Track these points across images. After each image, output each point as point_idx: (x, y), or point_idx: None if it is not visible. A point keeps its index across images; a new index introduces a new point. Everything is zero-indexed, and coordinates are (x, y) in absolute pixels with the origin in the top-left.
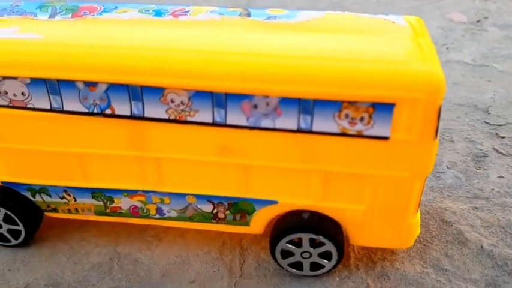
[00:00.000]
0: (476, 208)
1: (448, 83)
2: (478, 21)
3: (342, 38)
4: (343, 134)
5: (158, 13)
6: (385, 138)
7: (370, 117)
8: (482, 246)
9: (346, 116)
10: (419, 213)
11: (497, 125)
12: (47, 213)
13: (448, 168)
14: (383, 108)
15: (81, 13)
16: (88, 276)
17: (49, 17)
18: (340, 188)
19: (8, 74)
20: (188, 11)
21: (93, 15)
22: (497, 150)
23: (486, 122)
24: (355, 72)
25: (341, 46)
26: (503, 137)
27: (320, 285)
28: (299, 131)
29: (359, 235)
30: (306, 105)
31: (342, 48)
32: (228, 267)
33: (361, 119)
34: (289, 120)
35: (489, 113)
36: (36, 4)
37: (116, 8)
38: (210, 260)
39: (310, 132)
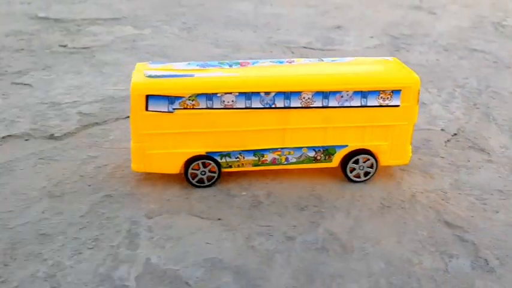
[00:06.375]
0: None
1: None
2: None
3: (374, 67)
4: (380, 106)
5: (280, 62)
6: (397, 106)
7: (391, 97)
8: None
9: (382, 97)
10: (411, 146)
11: None
12: (224, 169)
13: None
14: (396, 92)
15: (244, 65)
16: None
17: (229, 67)
18: (378, 133)
19: (225, 91)
20: (293, 61)
21: (251, 65)
22: None
23: None
24: (386, 79)
25: (376, 69)
26: None
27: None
28: (361, 106)
29: (384, 158)
30: (364, 94)
31: (376, 70)
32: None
33: (387, 98)
34: (356, 101)
35: None
36: (216, 62)
37: (257, 62)
38: (308, 186)
39: (366, 106)
